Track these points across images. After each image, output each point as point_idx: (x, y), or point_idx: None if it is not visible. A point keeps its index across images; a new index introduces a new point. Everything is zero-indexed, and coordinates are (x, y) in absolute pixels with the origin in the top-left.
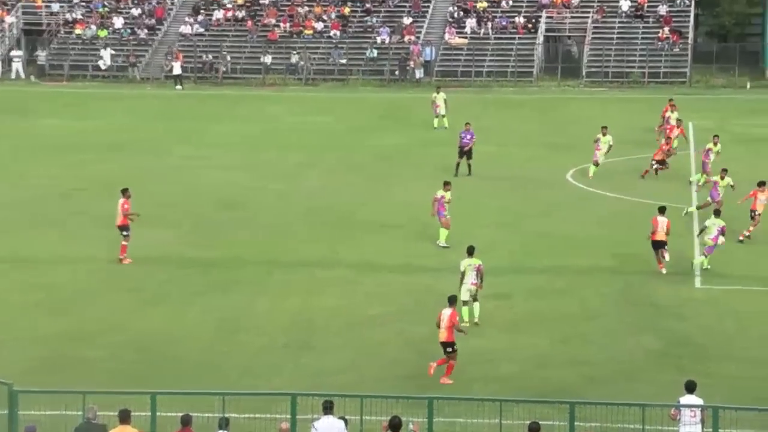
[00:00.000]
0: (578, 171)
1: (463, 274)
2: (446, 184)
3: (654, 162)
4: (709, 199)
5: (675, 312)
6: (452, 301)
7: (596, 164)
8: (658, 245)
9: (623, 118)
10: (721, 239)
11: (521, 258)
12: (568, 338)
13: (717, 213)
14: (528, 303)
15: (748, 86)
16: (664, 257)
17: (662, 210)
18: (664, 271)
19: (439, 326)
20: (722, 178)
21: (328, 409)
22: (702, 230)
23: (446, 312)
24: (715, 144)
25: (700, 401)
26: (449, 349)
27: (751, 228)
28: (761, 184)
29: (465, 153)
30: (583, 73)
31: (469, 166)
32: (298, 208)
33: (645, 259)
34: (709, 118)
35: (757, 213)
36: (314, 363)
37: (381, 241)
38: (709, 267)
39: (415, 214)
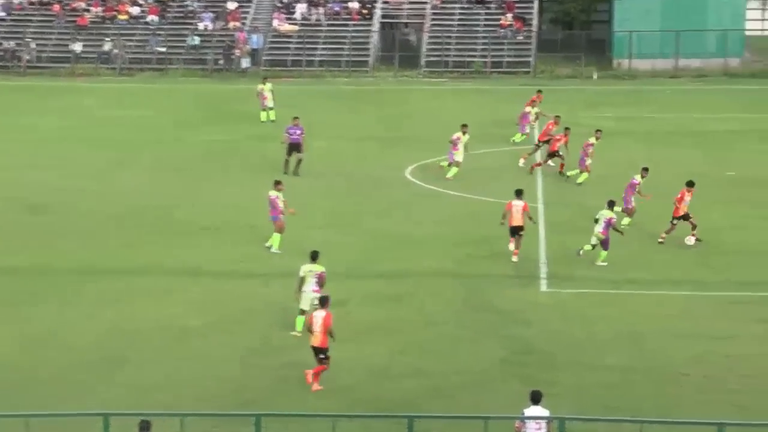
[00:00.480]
0: (418, 167)
1: (301, 281)
2: (277, 183)
3: (555, 155)
4: (634, 198)
5: (520, 317)
6: (324, 302)
7: (456, 165)
8: (515, 231)
9: (465, 110)
10: (691, 240)
11: (357, 262)
12: (408, 347)
13: (610, 204)
14: (365, 310)
15: (595, 76)
16: (515, 252)
17: (518, 193)
18: (515, 259)
19: (310, 330)
20: (643, 177)
21: (145, 429)
22: (596, 221)
23: (319, 315)
24: (597, 138)
25: (546, 412)
26: (322, 356)
27: (695, 232)
28: (690, 184)
29: (294, 149)
30: (422, 63)
31: (299, 163)
32: (112, 210)
33: (488, 262)
34: (555, 111)
35: (678, 218)
36: (130, 379)
37: (204, 245)
38: (605, 264)
39: (240, 215)
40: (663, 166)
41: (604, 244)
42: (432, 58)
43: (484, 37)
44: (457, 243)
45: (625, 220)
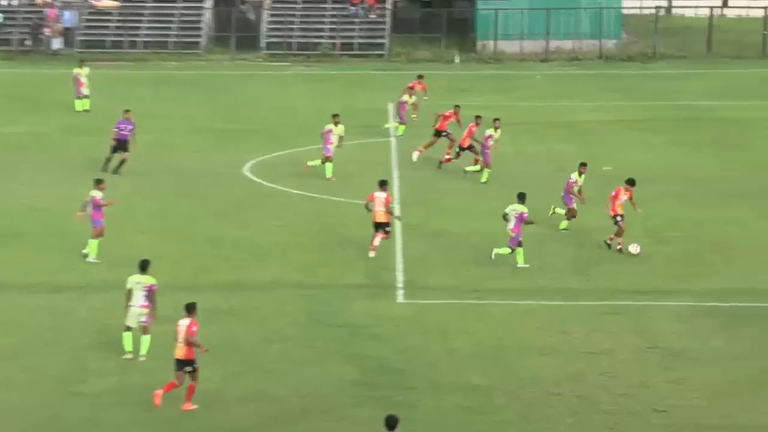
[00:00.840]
0: (258, 163)
1: (129, 294)
2: (98, 182)
3: (460, 150)
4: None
5: (373, 333)
6: (190, 309)
7: (329, 160)
8: (378, 227)
9: (312, 98)
10: (636, 248)
11: (188, 272)
12: (246, 368)
13: (521, 197)
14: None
15: (457, 60)
16: (374, 245)
17: (381, 184)
18: (372, 254)
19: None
20: (580, 174)
21: None
22: (505, 218)
23: (183, 323)
24: (496, 129)
25: None
26: (188, 368)
27: (620, 239)
28: (630, 182)
29: (120, 147)
30: (262, 45)
31: (123, 162)
32: None
33: (337, 270)
34: (413, 98)
35: (618, 218)
36: None
37: (8, 254)
38: (493, 257)
39: (51, 220)
40: (533, 160)
41: (512, 241)
42: (273, 39)
43: (333, 16)
44: (302, 249)
45: (563, 224)
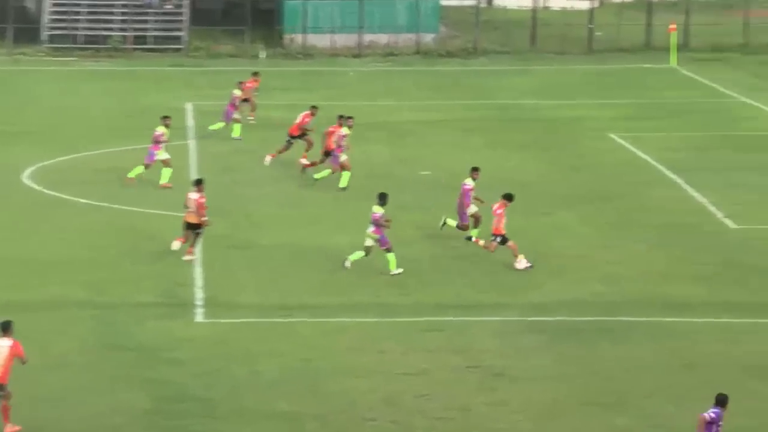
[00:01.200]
0: (39, 169)
1: None
2: None
3: (325, 154)
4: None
5: (169, 356)
6: (7, 328)
7: (147, 167)
8: (188, 227)
9: (101, 97)
10: (523, 263)
11: None
12: (22, 400)
13: (381, 198)
14: None
15: (263, 55)
16: (178, 240)
17: (196, 183)
18: (190, 257)
19: None
20: (474, 180)
21: None
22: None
23: (4, 344)
24: (350, 127)
25: None
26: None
27: (485, 242)
28: (508, 197)
29: None
30: (44, 37)
31: None
32: None
33: (128, 287)
34: (212, 98)
35: (499, 236)
36: None
37: None
38: (398, 272)
39: None
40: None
41: (382, 244)
42: (57, 32)
43: (124, 6)
44: (88, 264)
45: (474, 231)
